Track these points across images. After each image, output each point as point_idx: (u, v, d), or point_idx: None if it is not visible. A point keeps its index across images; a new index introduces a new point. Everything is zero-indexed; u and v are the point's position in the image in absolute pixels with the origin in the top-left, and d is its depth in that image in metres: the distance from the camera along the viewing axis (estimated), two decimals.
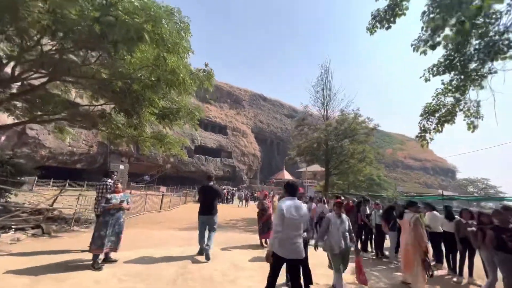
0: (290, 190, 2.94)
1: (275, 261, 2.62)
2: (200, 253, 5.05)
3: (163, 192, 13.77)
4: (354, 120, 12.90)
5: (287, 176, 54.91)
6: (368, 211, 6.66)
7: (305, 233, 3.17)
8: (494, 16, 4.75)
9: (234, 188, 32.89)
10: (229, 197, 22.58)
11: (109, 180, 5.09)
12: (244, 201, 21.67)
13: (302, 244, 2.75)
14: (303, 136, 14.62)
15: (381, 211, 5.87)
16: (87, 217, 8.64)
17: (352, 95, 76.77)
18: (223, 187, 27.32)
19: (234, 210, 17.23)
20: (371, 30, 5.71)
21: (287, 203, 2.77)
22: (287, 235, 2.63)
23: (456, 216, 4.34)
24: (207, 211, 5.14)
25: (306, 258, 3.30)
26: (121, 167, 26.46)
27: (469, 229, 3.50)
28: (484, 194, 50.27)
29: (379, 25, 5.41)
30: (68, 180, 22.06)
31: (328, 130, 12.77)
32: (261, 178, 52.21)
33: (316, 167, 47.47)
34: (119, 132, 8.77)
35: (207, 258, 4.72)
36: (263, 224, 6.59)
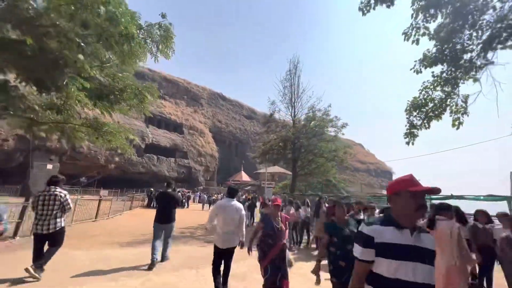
0: (230, 192, 3.83)
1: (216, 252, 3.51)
2: (150, 267, 4.52)
3: (100, 197, 11.18)
4: (324, 117, 12.55)
5: (245, 177, 54.09)
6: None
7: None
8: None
9: (189, 191, 30.43)
10: (184, 200, 20.40)
11: None
12: (207, 205, 20.85)
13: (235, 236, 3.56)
14: (270, 133, 13.75)
15: (377, 214, 4.84)
16: None
17: (320, 93, 79.01)
18: (177, 190, 24.83)
19: (190, 215, 15.42)
20: (365, 9, 4.98)
21: (222, 202, 3.72)
22: (222, 226, 3.49)
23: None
24: (165, 219, 4.99)
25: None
26: (49, 166, 21.78)
27: (503, 234, 2.91)
28: None
29: (379, 2, 4.69)
30: None
31: (297, 127, 12.16)
32: (218, 179, 50.24)
33: (275, 169, 47.74)
34: (34, 117, 6.43)
35: (165, 260, 4.93)
36: (275, 261, 3.17)
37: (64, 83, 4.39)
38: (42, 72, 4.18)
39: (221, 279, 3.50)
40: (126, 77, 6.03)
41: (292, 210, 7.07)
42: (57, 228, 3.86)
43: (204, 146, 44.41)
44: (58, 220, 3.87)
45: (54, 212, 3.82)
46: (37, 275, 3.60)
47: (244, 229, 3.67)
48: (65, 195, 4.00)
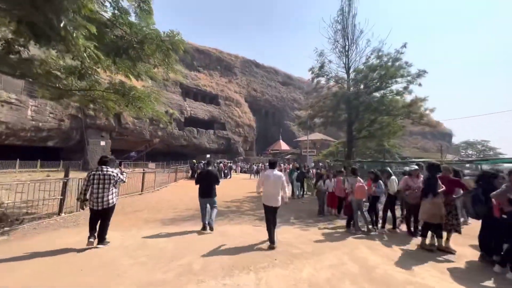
0: (271, 164, 4.86)
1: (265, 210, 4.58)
2: (203, 229, 5.30)
3: (143, 170, 11.09)
4: (391, 63, 9.69)
5: (284, 146, 53.00)
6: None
7: None
8: None
9: (230, 162, 30.54)
10: (226, 171, 20.23)
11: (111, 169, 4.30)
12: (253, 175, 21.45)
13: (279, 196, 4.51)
14: (319, 92, 11.69)
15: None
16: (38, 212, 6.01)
17: (383, 33, 50.31)
18: (218, 161, 24.89)
19: (234, 185, 14.93)
20: None
21: (267, 172, 4.74)
22: (267, 190, 4.54)
23: None
24: (207, 194, 5.43)
25: None
26: (102, 143, 23.43)
27: None
28: (482, 156, 50.03)
29: None
30: (39, 160, 19.16)
31: (354, 80, 9.86)
32: (257, 149, 50.10)
33: (316, 136, 45.24)
34: (59, 85, 5.76)
35: (211, 229, 5.29)
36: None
37: (62, 25, 3.30)
38: (31, 10, 3.12)
39: (272, 230, 4.45)
40: (141, 26, 4.77)
41: (361, 182, 5.54)
42: (110, 205, 4.19)
43: (241, 117, 43.74)
44: (110, 197, 4.18)
45: (108, 189, 4.16)
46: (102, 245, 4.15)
47: (286, 191, 4.69)
48: (117, 174, 4.33)
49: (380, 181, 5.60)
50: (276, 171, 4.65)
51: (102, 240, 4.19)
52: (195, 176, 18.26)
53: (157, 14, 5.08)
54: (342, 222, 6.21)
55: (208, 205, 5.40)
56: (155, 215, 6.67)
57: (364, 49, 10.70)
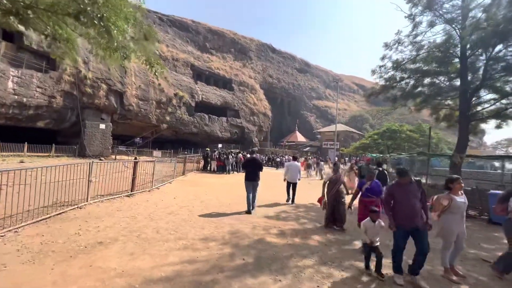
0: (294, 157, 8.42)
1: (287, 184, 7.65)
2: (248, 212, 6.11)
3: (135, 158, 7.67)
4: None
5: (300, 138, 49.19)
6: None
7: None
8: None
9: (246, 153, 27.13)
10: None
11: None
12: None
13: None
14: (414, 44, 7.67)
15: None
16: None
17: None
18: (235, 151, 21.49)
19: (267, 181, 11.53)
20: None
21: (290, 163, 7.93)
22: (291, 174, 7.51)
23: None
24: (253, 177, 6.39)
25: None
26: (102, 126, 20.40)
27: None
28: None
29: None
30: (26, 143, 16.29)
31: (492, 13, 5.88)
32: (271, 140, 46.51)
33: (339, 127, 41.00)
34: None
35: (253, 209, 6.25)
36: None
37: None
38: None
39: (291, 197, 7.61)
40: None
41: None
42: None
43: (256, 104, 40.03)
44: None
45: None
46: None
47: (300, 174, 7.86)
48: None
49: None
50: (296, 162, 7.90)
51: None
52: (209, 165, 15.04)
53: None
54: None
55: (252, 188, 6.29)
56: (134, 262, 3.24)
57: None
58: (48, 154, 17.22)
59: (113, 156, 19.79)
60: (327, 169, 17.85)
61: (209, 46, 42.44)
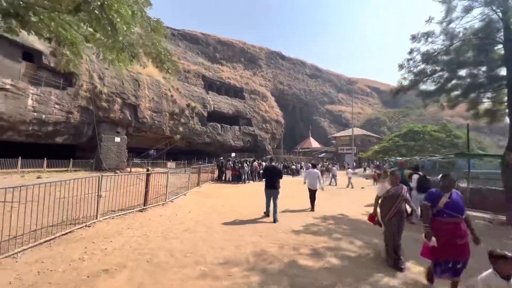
0: (313, 165, 8.58)
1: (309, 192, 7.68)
2: (266, 215, 6.33)
3: (147, 170, 7.21)
4: None
5: (314, 144, 48.02)
6: None
7: None
8: None
9: (261, 161, 26.52)
10: (261, 171, 16.16)
11: None
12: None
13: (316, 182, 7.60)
14: (447, 32, 6.90)
15: None
16: None
17: None
18: (251, 159, 20.92)
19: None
20: None
21: (309, 170, 8.13)
22: (310, 180, 7.61)
23: None
24: (273, 186, 6.26)
25: None
26: (117, 139, 20.57)
27: None
28: None
29: None
30: (45, 159, 16.57)
31: None
32: (284, 148, 45.66)
33: (356, 131, 39.61)
34: None
35: (275, 221, 5.88)
36: None
37: None
38: None
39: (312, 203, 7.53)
40: None
41: None
42: None
43: (268, 111, 39.60)
44: None
45: None
46: None
47: (321, 181, 8.09)
48: None
49: None
50: (314, 170, 7.98)
51: None
52: (223, 175, 14.50)
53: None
54: None
55: (272, 197, 6.19)
56: None
57: None
58: (66, 169, 17.41)
59: (129, 169, 19.76)
60: (381, 182, 16.70)
61: (219, 56, 42.95)
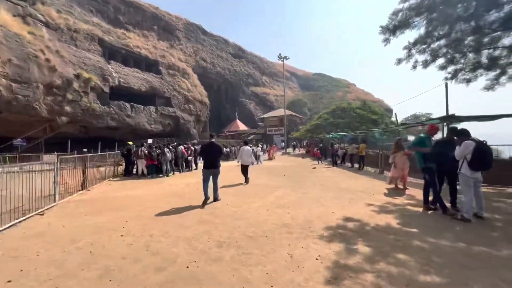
0: (245, 142, 9.49)
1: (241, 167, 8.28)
2: (204, 202, 5.33)
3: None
4: None
5: (241, 126, 46.56)
6: None
7: None
8: None
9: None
10: (189, 157, 12.60)
11: None
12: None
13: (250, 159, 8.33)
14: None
15: None
16: None
17: None
18: (171, 145, 16.76)
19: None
20: None
21: (242, 147, 8.64)
22: (244, 157, 8.19)
23: None
24: (213, 165, 5.66)
25: None
26: None
27: None
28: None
29: None
30: None
31: None
32: (211, 131, 42.26)
33: (279, 112, 39.94)
34: None
35: (217, 200, 5.65)
36: None
37: None
38: None
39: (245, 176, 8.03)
40: None
41: None
42: None
43: (190, 91, 34.89)
44: None
45: None
46: None
47: (253, 157, 9.38)
48: None
49: None
50: (248, 146, 8.67)
51: None
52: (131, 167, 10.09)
53: None
54: None
55: (212, 177, 5.68)
56: None
57: None
58: None
59: None
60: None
61: (123, 20, 34.32)
